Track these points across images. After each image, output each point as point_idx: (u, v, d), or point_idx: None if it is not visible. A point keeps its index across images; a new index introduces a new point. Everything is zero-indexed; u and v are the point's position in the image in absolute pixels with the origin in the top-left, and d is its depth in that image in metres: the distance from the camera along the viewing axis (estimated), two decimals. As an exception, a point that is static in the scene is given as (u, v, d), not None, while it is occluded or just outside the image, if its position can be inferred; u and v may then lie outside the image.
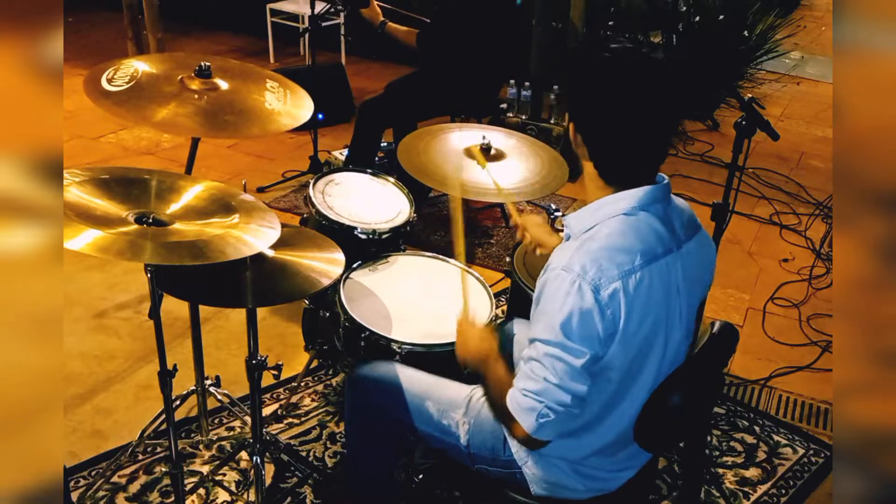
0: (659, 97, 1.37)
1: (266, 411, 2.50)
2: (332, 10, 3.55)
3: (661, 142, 1.44)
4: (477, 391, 1.68)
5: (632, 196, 1.42)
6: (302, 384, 2.62)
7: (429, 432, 1.71)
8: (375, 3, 3.48)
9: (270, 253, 1.83)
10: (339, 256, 1.91)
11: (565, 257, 1.39)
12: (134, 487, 2.20)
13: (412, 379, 1.75)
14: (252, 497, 2.16)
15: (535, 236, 1.99)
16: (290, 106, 1.98)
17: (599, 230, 1.41)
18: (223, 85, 1.93)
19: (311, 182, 2.42)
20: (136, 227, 1.53)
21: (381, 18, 3.47)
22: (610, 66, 1.38)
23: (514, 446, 1.60)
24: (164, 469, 2.26)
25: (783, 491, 2.36)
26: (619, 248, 1.38)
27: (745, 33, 4.98)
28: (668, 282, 1.43)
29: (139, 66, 1.92)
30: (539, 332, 1.41)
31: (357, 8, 3.50)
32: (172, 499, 2.15)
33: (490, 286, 2.19)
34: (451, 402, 1.69)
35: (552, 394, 1.40)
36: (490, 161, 2.30)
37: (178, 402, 2.34)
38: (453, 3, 3.48)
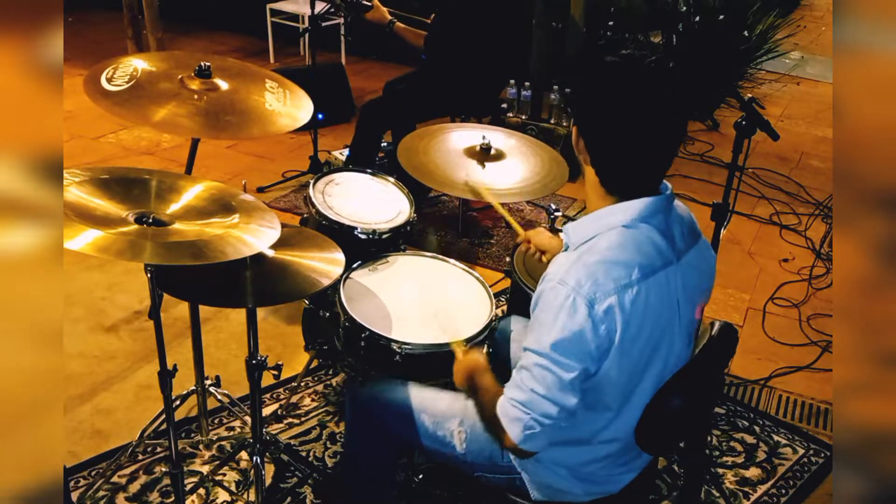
0: (665, 108, 1.35)
1: (266, 411, 2.50)
2: (332, 10, 3.59)
3: (665, 153, 1.41)
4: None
5: (633, 208, 1.39)
6: (302, 384, 2.62)
7: (427, 445, 1.71)
8: (380, 4, 3.50)
9: (270, 253, 1.83)
10: (339, 256, 1.91)
11: (562, 270, 1.37)
12: (134, 487, 2.20)
13: (407, 394, 1.75)
14: (252, 497, 2.16)
15: (538, 243, 2.00)
16: (290, 107, 1.98)
17: (598, 242, 1.39)
18: (223, 85, 1.93)
19: (311, 182, 2.41)
20: (136, 227, 1.53)
21: (389, 18, 3.50)
22: (618, 73, 1.37)
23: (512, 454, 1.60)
24: (164, 469, 2.26)
25: (783, 491, 2.36)
26: (616, 261, 1.36)
27: (745, 33, 4.98)
28: (667, 294, 1.42)
29: (139, 64, 1.92)
30: (531, 342, 1.40)
31: (361, 13, 3.52)
32: (172, 499, 2.15)
33: (490, 286, 2.19)
34: (445, 413, 1.69)
35: (539, 405, 1.39)
36: (490, 161, 2.31)
37: (178, 402, 2.34)
38: (454, 4, 3.49)
